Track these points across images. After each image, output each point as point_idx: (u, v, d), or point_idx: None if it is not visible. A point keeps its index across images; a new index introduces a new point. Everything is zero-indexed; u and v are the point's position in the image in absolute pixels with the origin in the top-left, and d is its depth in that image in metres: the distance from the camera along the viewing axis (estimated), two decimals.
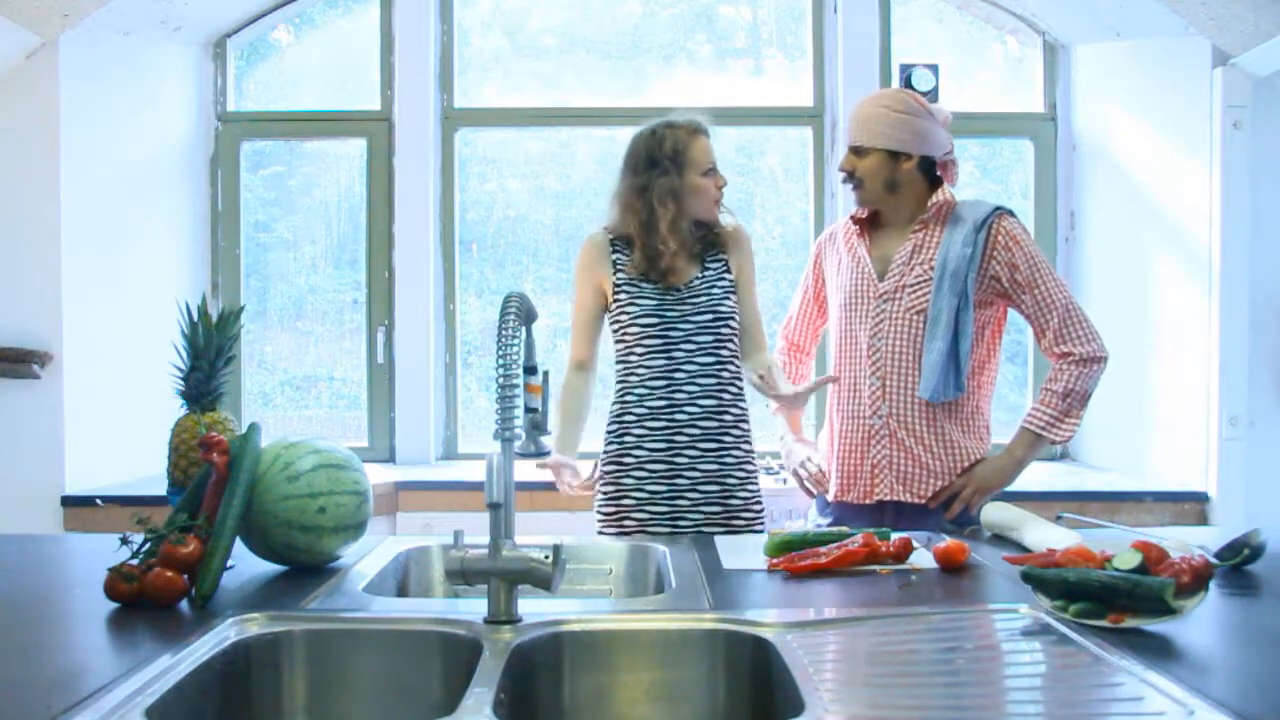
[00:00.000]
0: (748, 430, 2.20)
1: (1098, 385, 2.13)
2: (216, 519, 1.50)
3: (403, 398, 3.61)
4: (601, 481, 2.21)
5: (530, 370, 1.71)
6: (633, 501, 2.16)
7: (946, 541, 1.69)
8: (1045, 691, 1.15)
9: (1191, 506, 3.10)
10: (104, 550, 1.56)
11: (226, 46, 3.68)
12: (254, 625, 1.35)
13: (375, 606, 1.45)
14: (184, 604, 1.43)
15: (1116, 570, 1.35)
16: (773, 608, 1.44)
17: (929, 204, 2.18)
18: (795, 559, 1.65)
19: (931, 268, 2.13)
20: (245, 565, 1.64)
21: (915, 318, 2.14)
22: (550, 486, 2.13)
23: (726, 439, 2.16)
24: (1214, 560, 1.54)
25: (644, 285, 2.19)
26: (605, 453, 2.22)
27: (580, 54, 3.80)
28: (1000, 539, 1.91)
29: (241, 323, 1.94)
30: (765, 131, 3.81)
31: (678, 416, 2.15)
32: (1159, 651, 1.21)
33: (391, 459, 3.63)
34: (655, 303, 2.17)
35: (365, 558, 1.73)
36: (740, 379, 2.20)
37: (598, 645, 1.34)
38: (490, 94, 3.78)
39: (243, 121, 3.70)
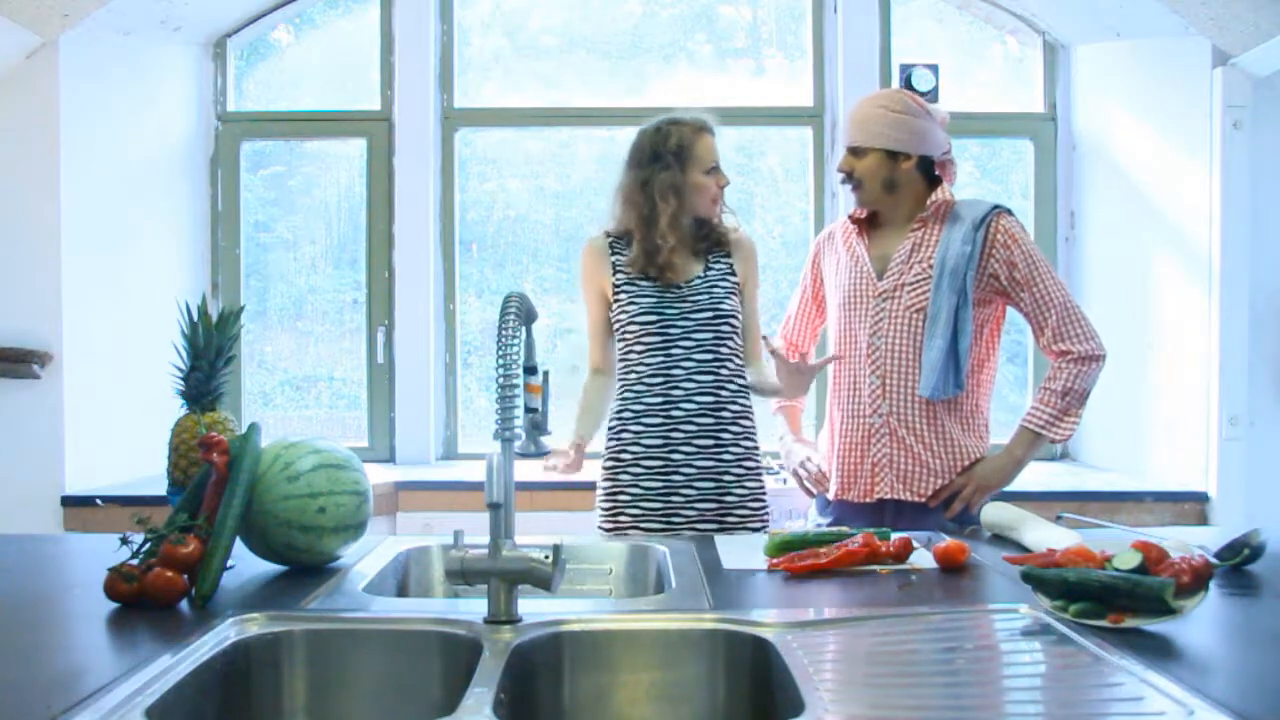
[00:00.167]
0: (748, 427, 2.20)
1: (1096, 383, 2.13)
2: (216, 519, 1.50)
3: (403, 398, 3.62)
4: (601, 478, 2.22)
5: (530, 370, 1.71)
6: (628, 497, 2.17)
7: (946, 541, 1.69)
8: (1045, 691, 1.15)
9: (1191, 506, 3.10)
10: (104, 550, 1.56)
11: (226, 46, 3.68)
12: (254, 625, 1.34)
13: (375, 606, 1.44)
14: (184, 604, 1.43)
15: (1116, 570, 1.35)
16: (773, 608, 1.44)
17: (928, 203, 2.18)
18: (795, 559, 1.65)
19: (931, 266, 2.13)
20: (245, 565, 1.64)
21: (915, 316, 2.14)
22: (550, 486, 2.14)
23: (724, 436, 2.16)
24: (1214, 560, 1.54)
25: (643, 284, 2.19)
26: (605, 450, 2.23)
27: (580, 54, 3.80)
28: (1000, 539, 1.91)
29: (241, 323, 1.94)
30: (765, 131, 3.81)
31: (674, 413, 2.15)
32: (1159, 651, 1.21)
33: (391, 459, 3.63)
34: (654, 300, 2.18)
35: (365, 558, 1.73)
36: (740, 377, 2.20)
37: (598, 645, 1.34)
38: (490, 94, 3.78)
39: (243, 121, 3.71)
